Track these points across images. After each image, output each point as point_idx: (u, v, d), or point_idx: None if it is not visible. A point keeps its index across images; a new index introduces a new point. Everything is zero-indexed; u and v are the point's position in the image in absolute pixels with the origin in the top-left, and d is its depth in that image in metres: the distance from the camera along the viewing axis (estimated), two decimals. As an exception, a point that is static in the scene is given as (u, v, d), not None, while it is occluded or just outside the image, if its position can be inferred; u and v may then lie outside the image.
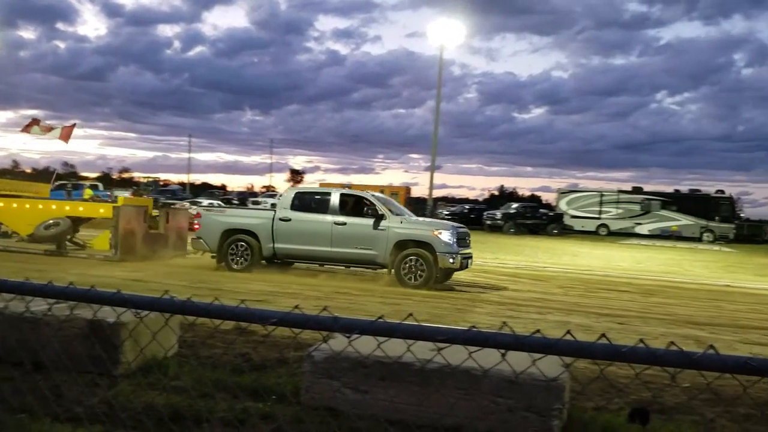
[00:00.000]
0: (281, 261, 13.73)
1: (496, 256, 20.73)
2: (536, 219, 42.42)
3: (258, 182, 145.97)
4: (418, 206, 47.31)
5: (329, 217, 13.15)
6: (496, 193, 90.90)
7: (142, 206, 15.68)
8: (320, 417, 3.90)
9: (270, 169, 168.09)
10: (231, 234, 13.54)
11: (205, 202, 34.10)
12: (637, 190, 45.62)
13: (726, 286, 16.79)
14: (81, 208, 16.22)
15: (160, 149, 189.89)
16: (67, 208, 15.97)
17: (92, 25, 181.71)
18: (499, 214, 44.06)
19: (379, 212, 13.01)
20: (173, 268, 13.50)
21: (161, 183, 69.17)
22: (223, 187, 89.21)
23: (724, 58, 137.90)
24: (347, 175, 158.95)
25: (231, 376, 4.68)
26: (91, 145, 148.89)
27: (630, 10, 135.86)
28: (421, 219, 14.96)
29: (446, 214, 44.61)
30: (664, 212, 43.54)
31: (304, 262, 13.78)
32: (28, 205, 15.81)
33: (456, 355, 2.62)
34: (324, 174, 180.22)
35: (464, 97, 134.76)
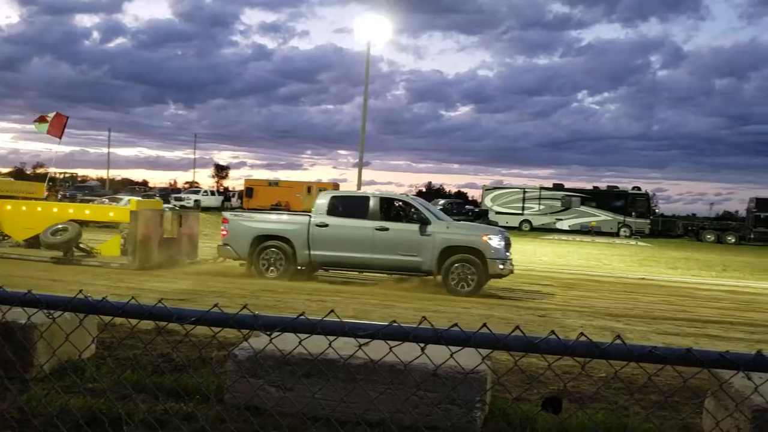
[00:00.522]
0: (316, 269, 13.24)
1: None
2: (463, 215, 43.15)
3: (181, 178, 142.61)
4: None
5: (370, 223, 12.61)
6: (424, 189, 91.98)
7: (158, 210, 14.81)
8: (243, 416, 3.85)
9: (194, 164, 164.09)
10: (263, 240, 12.89)
11: (125, 198, 33.02)
12: (558, 187, 47.05)
13: (641, 278, 17.55)
14: (87, 212, 15.14)
15: (78, 144, 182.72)
16: (71, 211, 14.83)
17: (3, 12, 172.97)
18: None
19: (424, 217, 12.64)
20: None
21: (79, 179, 66.50)
22: (144, 183, 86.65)
23: (641, 60, 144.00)
24: (274, 171, 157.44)
25: (151, 377, 4.55)
26: (2, 139, 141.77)
27: (553, 11, 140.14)
28: (466, 224, 14.86)
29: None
30: (583, 208, 45.07)
31: (342, 270, 13.25)
32: (24, 207, 14.69)
33: (391, 350, 2.64)
34: (250, 170, 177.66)
35: (392, 94, 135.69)
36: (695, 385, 5.13)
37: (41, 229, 14.04)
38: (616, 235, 43.73)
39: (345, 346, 3.48)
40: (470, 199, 64.46)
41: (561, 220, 45.21)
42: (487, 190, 47.82)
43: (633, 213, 44.80)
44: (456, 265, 12.15)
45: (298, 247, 12.70)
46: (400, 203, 13.33)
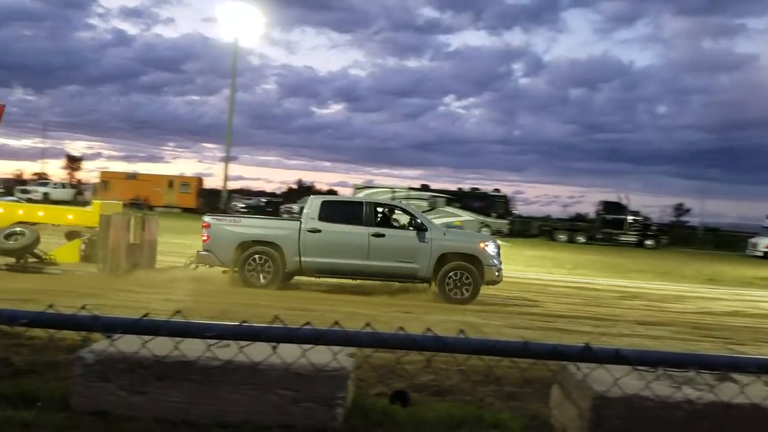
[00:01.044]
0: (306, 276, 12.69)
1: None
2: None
3: (29, 168, 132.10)
4: (212, 198, 46.01)
5: (365, 229, 12.34)
6: (295, 186, 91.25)
7: (126, 214, 13.80)
8: (90, 422, 3.63)
9: (42, 154, 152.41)
10: (249, 246, 12.22)
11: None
12: (425, 188, 48.40)
13: (499, 276, 18.37)
14: (41, 213, 13.53)
15: None
16: (21, 212, 13.36)
17: None
18: (296, 207, 44.34)
19: (421, 223, 12.59)
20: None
21: None
22: (-16, 174, 79.50)
23: (505, 68, 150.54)
24: (133, 162, 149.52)
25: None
26: None
27: (423, 15, 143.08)
28: (462, 231, 14.27)
29: (242, 207, 43.84)
30: (448, 209, 46.57)
31: (333, 277, 12.71)
32: None
33: (256, 350, 2.57)
34: (107, 161, 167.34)
35: (263, 88, 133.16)
36: (545, 377, 5.43)
37: None
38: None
39: (219, 349, 3.36)
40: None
41: (427, 219, 46.52)
42: (358, 188, 48.25)
43: (493, 214, 46.87)
44: (452, 272, 12.12)
45: (288, 254, 12.23)
46: (396, 209, 13.39)
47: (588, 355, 1.65)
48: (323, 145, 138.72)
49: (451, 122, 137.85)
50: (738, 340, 10.30)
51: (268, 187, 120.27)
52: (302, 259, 12.22)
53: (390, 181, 67.08)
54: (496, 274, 12.37)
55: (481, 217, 46.51)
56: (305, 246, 12.21)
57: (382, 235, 12.29)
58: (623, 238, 46.26)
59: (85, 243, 13.09)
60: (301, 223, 12.46)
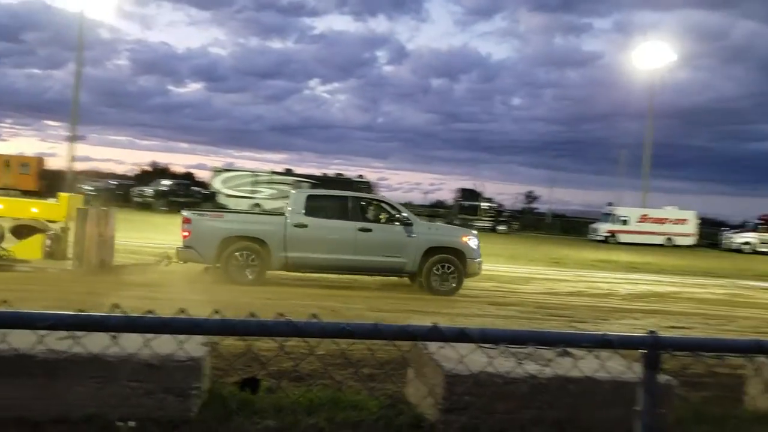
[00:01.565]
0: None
1: (145, 236, 19.87)
2: (189, 197, 41.82)
3: None
4: (56, 180, 42.88)
5: (352, 224, 12.18)
6: (148, 168, 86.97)
7: (97, 207, 12.61)
8: None
9: None
10: (233, 242, 11.74)
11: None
12: (288, 172, 48.03)
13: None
14: (0, 206, 12.10)
15: None
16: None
17: None
18: (149, 190, 42.42)
19: (407, 218, 12.55)
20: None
21: None
22: None
23: (369, 54, 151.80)
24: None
25: None
26: None
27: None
28: (445, 225, 14.77)
29: (89, 190, 41.27)
30: (312, 193, 46.59)
31: (319, 272, 12.36)
32: None
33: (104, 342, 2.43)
34: None
35: (114, 64, 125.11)
36: (402, 359, 5.58)
37: None
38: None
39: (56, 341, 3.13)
40: (199, 180, 62.57)
41: (290, 204, 46.16)
42: (218, 172, 46.88)
43: (357, 199, 47.41)
44: (437, 265, 12.21)
45: (274, 249, 11.83)
46: (380, 203, 13.28)
47: (435, 334, 1.72)
48: (181, 125, 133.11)
49: (315, 106, 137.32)
50: (579, 317, 11.12)
51: (119, 169, 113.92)
52: (288, 254, 11.92)
53: (252, 165, 65.97)
54: (478, 266, 12.64)
55: (345, 203, 46.79)
56: (291, 241, 11.93)
57: (369, 230, 12.31)
58: (478, 224, 48.37)
59: (51, 238, 12.04)
60: (286, 218, 12.17)
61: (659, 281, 18.97)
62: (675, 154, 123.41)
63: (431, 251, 12.30)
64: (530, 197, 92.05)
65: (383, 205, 13.32)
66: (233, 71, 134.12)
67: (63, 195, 12.67)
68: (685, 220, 45.32)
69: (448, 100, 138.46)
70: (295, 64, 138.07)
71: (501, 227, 49.21)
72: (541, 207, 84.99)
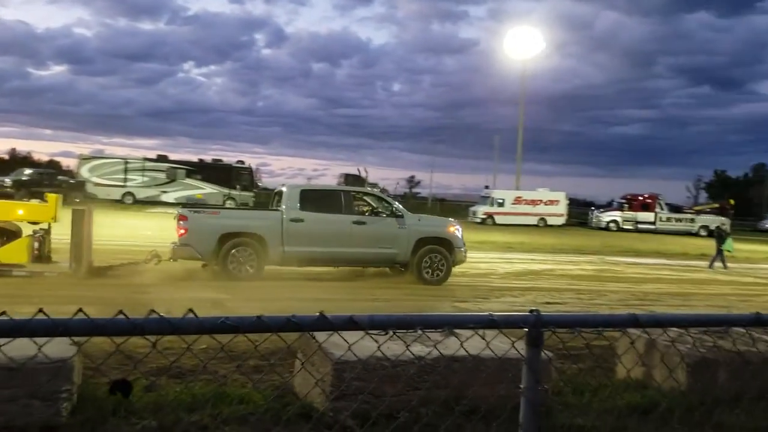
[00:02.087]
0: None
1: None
2: (55, 186, 39.28)
3: None
4: None
5: (347, 217, 12.49)
6: (6, 157, 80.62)
7: (88, 207, 12.22)
8: None
9: None
10: (230, 238, 11.71)
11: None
12: (162, 159, 46.03)
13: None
14: None
15: None
16: None
17: None
18: (8, 180, 39.48)
19: (398, 210, 13.00)
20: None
21: None
22: None
23: (247, 37, 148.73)
24: None
25: None
26: None
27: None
28: (432, 216, 15.42)
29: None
30: (189, 181, 44.92)
31: (316, 266, 12.50)
32: None
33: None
34: None
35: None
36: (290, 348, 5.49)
37: None
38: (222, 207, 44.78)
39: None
40: (65, 169, 58.80)
41: (166, 192, 44.31)
42: (84, 159, 44.26)
43: (238, 186, 46.27)
44: (427, 256, 12.60)
45: (272, 244, 11.89)
46: (372, 197, 13.74)
47: (323, 323, 1.65)
48: (43, 110, 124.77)
49: (190, 90, 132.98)
50: (461, 297, 11.46)
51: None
52: (285, 249, 11.97)
53: (123, 151, 62.90)
54: (464, 254, 13.16)
55: (226, 190, 45.73)
56: (288, 236, 12.01)
57: (364, 223, 12.62)
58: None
59: (38, 241, 11.33)
60: (282, 213, 12.21)
61: (534, 260, 19.89)
62: (546, 138, 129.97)
63: (421, 242, 12.70)
64: (412, 182, 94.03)
65: (374, 198, 13.82)
66: (100, 53, 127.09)
67: (51, 196, 11.88)
68: (556, 201, 47.77)
69: (329, 85, 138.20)
70: (168, 47, 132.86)
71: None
72: (422, 191, 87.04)
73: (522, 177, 56.44)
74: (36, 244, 11.34)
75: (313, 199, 12.67)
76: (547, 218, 46.24)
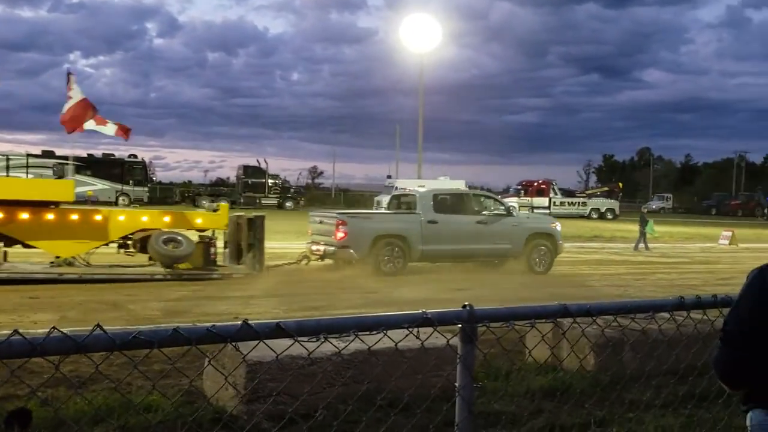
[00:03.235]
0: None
1: None
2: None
3: None
4: None
5: (471, 217, 14.00)
6: None
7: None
8: None
9: None
10: (381, 239, 13.16)
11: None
12: (48, 154, 43.39)
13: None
14: (166, 219, 12.17)
15: None
16: (144, 218, 12.12)
17: None
18: None
19: (510, 209, 14.87)
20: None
21: None
22: None
23: (138, 26, 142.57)
24: None
25: None
26: None
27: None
28: (535, 214, 16.66)
29: None
30: (78, 177, 42.64)
31: (448, 261, 14.04)
32: (76, 216, 11.39)
33: None
34: None
35: None
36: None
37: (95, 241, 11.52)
38: (115, 203, 42.81)
39: None
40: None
41: (55, 189, 41.89)
42: (-40, 157, 41.19)
43: (131, 181, 44.42)
44: (536, 249, 14.24)
45: (413, 244, 13.32)
46: (488, 198, 15.50)
47: (247, 332, 1.52)
48: None
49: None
50: (371, 288, 11.44)
51: None
52: (424, 247, 13.40)
53: (5, 147, 58.89)
54: (562, 247, 14.95)
55: (118, 185, 43.78)
56: (426, 236, 13.40)
57: (485, 222, 14.06)
58: (265, 201, 47.94)
59: (213, 246, 12.48)
60: (420, 216, 13.56)
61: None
62: (446, 127, 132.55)
63: (531, 237, 14.36)
64: (315, 172, 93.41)
65: (490, 199, 15.52)
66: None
67: (223, 205, 13.71)
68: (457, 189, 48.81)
69: (225, 75, 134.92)
70: (51, 36, 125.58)
71: (288, 204, 49.17)
72: (325, 182, 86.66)
73: (423, 166, 57.15)
74: (212, 250, 12.43)
75: (444, 202, 14.35)
76: (449, 206, 47.14)
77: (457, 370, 1.96)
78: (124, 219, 11.98)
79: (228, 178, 68.50)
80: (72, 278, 10.81)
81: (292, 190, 53.66)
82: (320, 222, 13.86)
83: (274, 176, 50.99)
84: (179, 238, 11.85)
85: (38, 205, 11.10)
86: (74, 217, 11.42)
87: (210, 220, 12.71)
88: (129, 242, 11.99)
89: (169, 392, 4.78)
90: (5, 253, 11.26)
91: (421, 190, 15.64)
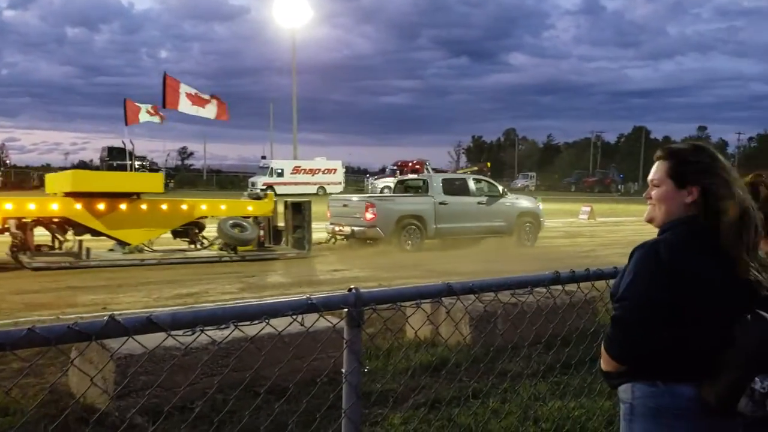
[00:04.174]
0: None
1: None
2: None
3: None
4: None
5: (473, 198, 15.80)
6: None
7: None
8: None
9: None
10: (403, 220, 14.72)
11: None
12: None
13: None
14: (223, 207, 13.19)
15: None
16: (204, 207, 12.95)
17: None
18: None
19: (504, 192, 16.62)
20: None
21: None
22: None
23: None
24: None
25: None
26: None
27: None
28: (523, 195, 18.86)
29: None
30: None
31: (456, 237, 15.46)
32: (144, 206, 12.08)
33: None
34: None
35: None
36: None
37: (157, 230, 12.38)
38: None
39: None
40: None
41: None
42: None
43: None
44: (524, 225, 16.15)
45: (429, 223, 14.97)
46: (484, 181, 17.28)
47: (115, 328, 1.38)
48: None
49: None
50: (249, 273, 11.19)
51: None
52: (437, 226, 15.05)
53: None
54: (543, 223, 16.86)
55: (-35, 171, 40.16)
56: (438, 216, 15.08)
57: (484, 203, 15.88)
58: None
59: (263, 229, 13.55)
60: (433, 198, 15.20)
61: (320, 228, 20.11)
62: (320, 107, 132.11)
63: (520, 215, 16.26)
64: (184, 154, 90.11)
65: (485, 182, 17.27)
66: None
67: (270, 194, 14.84)
68: (333, 169, 48.80)
69: (87, 52, 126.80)
70: None
71: (157, 186, 47.20)
72: (196, 163, 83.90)
73: (299, 146, 56.65)
74: (262, 233, 13.50)
75: (451, 185, 15.92)
76: (326, 186, 47.13)
77: (344, 356, 1.91)
78: (186, 208, 12.70)
79: (91, 160, 64.67)
80: (151, 263, 11.63)
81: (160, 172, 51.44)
82: (344, 205, 15.58)
83: (141, 158, 48.60)
84: (244, 223, 13.04)
85: (126, 197, 11.95)
86: (163, 206, 12.47)
87: (259, 207, 13.63)
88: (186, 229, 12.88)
89: (30, 392, 4.43)
90: (80, 242, 11.60)
91: (434, 178, 16.84)
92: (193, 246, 12.93)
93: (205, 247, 12.95)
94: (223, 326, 1.60)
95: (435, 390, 4.54)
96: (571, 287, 2.57)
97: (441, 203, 15.28)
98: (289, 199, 14.48)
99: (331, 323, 2.90)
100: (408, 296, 1.95)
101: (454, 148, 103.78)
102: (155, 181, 13.15)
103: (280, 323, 1.84)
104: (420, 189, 16.29)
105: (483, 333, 5.59)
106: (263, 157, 55.91)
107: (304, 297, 1.72)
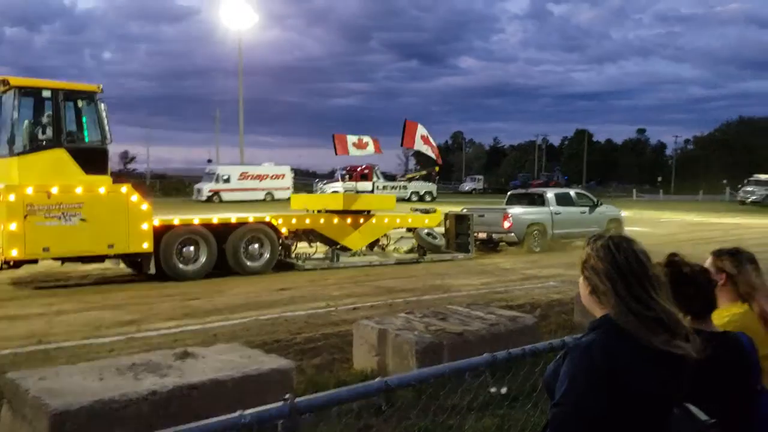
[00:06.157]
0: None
1: None
2: None
3: None
4: None
5: (578, 209, 18.98)
6: None
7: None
8: None
9: None
10: (532, 227, 17.75)
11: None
12: None
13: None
14: (410, 220, 16.29)
15: None
16: (398, 220, 16.13)
17: None
18: None
19: (597, 202, 19.79)
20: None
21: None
22: None
23: None
24: None
25: None
26: None
27: None
28: (608, 205, 20.74)
29: None
30: None
31: (564, 240, 17.97)
32: (374, 221, 15.50)
33: None
34: None
35: None
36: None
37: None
38: None
39: None
40: None
41: None
42: None
43: None
44: (610, 231, 17.05)
45: (548, 229, 17.90)
46: (581, 194, 20.40)
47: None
48: None
49: None
50: (193, 295, 10.98)
51: None
52: (554, 231, 17.97)
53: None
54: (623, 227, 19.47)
55: None
56: (554, 223, 18.03)
57: (585, 212, 18.94)
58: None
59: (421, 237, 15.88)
60: (550, 208, 18.16)
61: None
62: (269, 109, 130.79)
63: (609, 222, 19.15)
64: (126, 157, 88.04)
65: (583, 193, 20.66)
66: None
67: (438, 210, 17.37)
68: (281, 175, 48.32)
69: (27, 52, 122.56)
70: None
71: (99, 192, 45.90)
72: (139, 167, 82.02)
73: (246, 149, 56.07)
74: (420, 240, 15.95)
75: (560, 198, 18.90)
76: (274, 192, 46.65)
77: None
78: (387, 221, 15.77)
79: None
80: (389, 263, 14.91)
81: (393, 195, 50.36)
82: (481, 216, 17.74)
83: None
84: (434, 233, 16.12)
85: (359, 214, 15.20)
86: (385, 221, 15.70)
87: (432, 220, 16.52)
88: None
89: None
90: (333, 249, 14.69)
91: (548, 192, 19.83)
92: (382, 250, 15.97)
93: (394, 251, 16.22)
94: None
95: (383, 431, 4.51)
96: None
97: (556, 213, 18.41)
98: (451, 212, 17.48)
99: None
100: (346, 398, 1.92)
101: (403, 151, 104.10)
102: (390, 201, 16.99)
103: (209, 368, 1.78)
104: (536, 201, 19.21)
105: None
106: (209, 161, 55.04)
107: (238, 413, 1.66)
